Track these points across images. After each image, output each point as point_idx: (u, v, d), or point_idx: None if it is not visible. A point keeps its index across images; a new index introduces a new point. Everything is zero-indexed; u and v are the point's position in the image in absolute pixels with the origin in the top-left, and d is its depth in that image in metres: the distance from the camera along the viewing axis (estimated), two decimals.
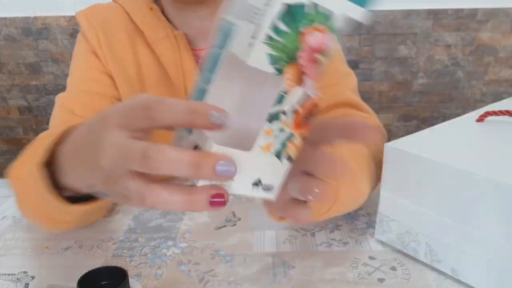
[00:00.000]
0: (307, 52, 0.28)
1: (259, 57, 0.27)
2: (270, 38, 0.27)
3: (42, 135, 0.48)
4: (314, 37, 0.28)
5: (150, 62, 0.70)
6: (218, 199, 0.28)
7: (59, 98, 0.69)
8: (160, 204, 0.28)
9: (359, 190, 0.53)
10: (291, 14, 0.27)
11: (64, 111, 0.67)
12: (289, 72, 0.28)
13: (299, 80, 0.29)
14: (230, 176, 0.27)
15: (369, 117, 0.67)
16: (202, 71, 0.30)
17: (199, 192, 0.28)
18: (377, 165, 0.55)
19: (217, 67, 0.28)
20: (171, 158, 0.27)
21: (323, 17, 0.28)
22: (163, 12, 0.70)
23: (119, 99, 0.71)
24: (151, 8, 0.69)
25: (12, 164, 0.48)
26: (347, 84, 0.69)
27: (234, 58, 0.28)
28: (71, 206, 0.44)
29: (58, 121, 0.67)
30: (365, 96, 1.95)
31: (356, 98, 0.68)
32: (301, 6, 0.27)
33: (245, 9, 0.28)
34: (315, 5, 0.27)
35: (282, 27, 0.27)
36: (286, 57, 0.28)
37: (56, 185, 0.43)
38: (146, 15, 0.69)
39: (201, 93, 0.29)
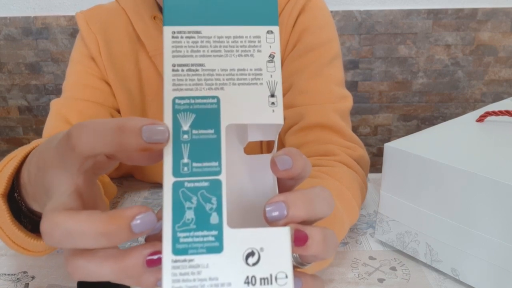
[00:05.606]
0: None
1: None
2: None
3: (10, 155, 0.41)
4: None
5: (151, 74, 0.68)
6: (156, 256, 0.23)
7: (54, 105, 0.66)
8: (90, 279, 0.23)
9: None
10: None
11: (59, 119, 0.64)
12: None
13: None
14: (150, 228, 0.22)
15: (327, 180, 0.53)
16: None
17: (131, 255, 0.23)
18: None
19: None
20: (69, 232, 0.22)
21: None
22: None
23: (118, 110, 0.69)
24: (154, 17, 0.66)
25: None
26: (337, 106, 0.63)
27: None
28: (39, 240, 0.39)
29: (53, 130, 0.63)
30: (365, 96, 1.96)
31: (340, 123, 0.62)
32: None
33: None
34: None
35: None
36: None
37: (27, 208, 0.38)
38: (148, 25, 0.66)
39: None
